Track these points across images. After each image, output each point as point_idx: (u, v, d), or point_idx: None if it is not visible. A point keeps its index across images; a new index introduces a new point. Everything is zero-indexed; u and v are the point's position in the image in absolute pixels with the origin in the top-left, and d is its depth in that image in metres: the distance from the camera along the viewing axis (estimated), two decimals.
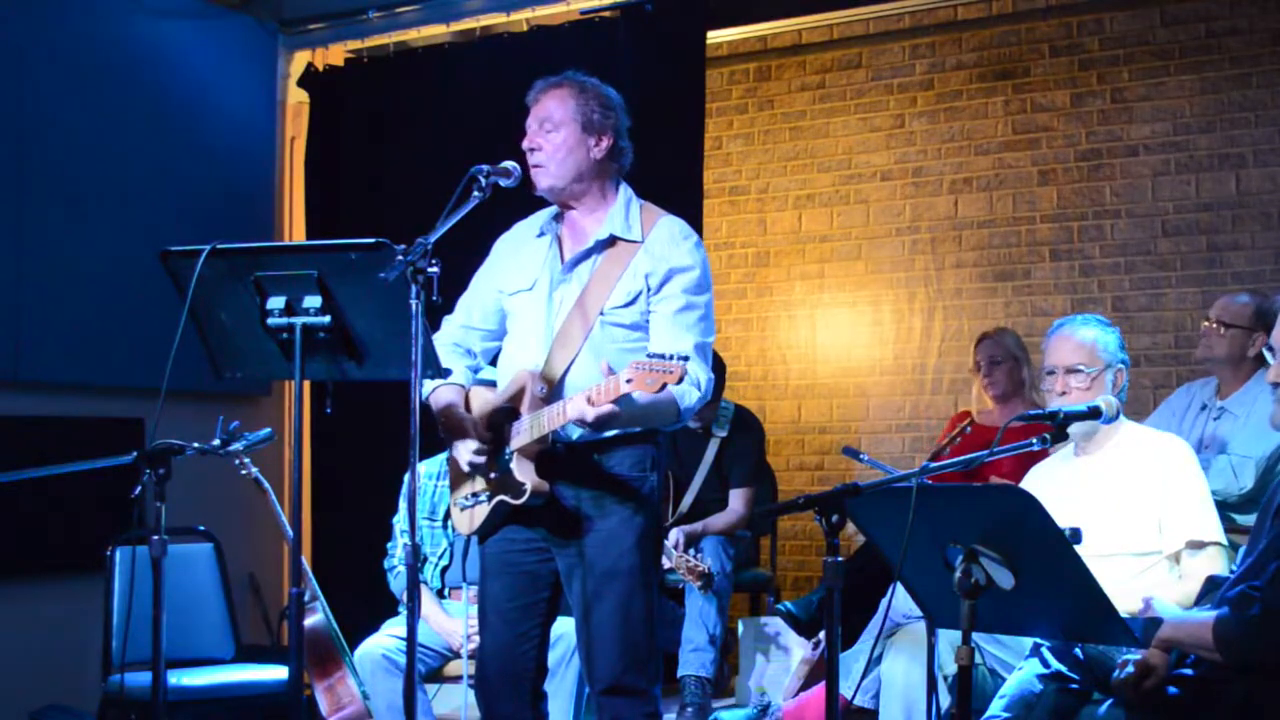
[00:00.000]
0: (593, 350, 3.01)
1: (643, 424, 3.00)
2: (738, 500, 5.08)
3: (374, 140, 5.89)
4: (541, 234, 3.20)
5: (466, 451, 3.06)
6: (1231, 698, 2.63)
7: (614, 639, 3.01)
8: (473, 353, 3.27)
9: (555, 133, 3.09)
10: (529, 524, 3.10)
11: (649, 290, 3.04)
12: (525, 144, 3.11)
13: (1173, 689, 2.74)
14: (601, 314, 3.03)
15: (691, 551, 4.72)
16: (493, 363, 3.30)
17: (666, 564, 4.56)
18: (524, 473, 2.99)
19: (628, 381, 2.67)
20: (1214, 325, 4.30)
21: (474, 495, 3.13)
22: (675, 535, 4.76)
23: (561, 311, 3.07)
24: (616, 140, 3.14)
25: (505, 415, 3.06)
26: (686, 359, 2.70)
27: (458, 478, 3.19)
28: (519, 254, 3.22)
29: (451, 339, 3.25)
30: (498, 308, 3.23)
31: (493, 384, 3.21)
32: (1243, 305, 4.29)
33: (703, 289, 3.07)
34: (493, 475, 3.07)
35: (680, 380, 2.67)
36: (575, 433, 3.02)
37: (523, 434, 2.99)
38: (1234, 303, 4.34)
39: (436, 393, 3.14)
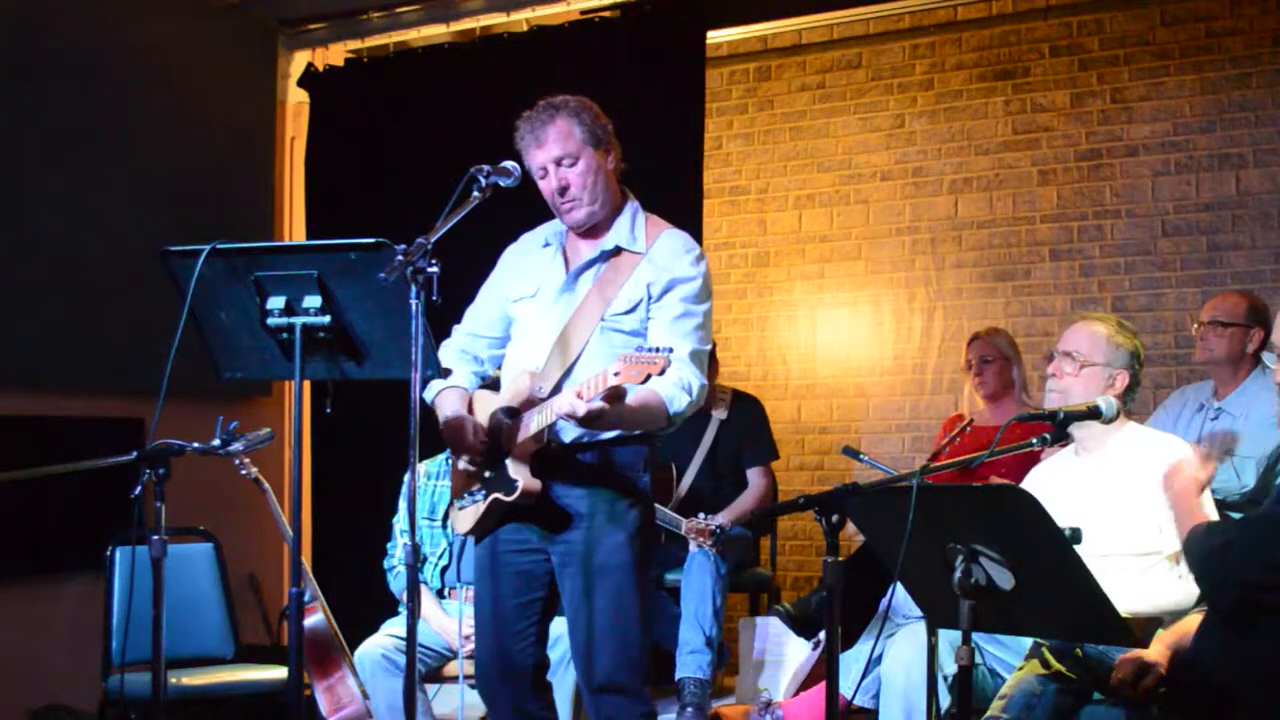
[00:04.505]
0: (592, 354, 3.03)
1: (631, 427, 3.00)
2: (758, 475, 5.11)
3: (374, 140, 5.89)
4: (547, 244, 3.23)
5: (464, 452, 3.09)
6: (1230, 697, 2.63)
7: (607, 636, 3.02)
8: (480, 359, 3.30)
9: (575, 165, 3.07)
10: (524, 522, 3.11)
11: (650, 298, 3.07)
12: (553, 187, 3.08)
13: (1171, 689, 2.74)
14: (603, 320, 3.05)
15: (700, 515, 4.70)
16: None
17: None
18: (518, 470, 3.00)
19: (615, 375, 2.68)
20: (1210, 325, 4.32)
21: (471, 494, 3.15)
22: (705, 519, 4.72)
23: (564, 317, 3.09)
24: (618, 147, 3.15)
25: (505, 416, 3.07)
26: (671, 350, 2.71)
27: (459, 480, 3.21)
28: (525, 263, 3.26)
29: (459, 346, 3.30)
30: (503, 315, 3.27)
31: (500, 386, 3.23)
32: (1236, 303, 4.35)
33: (701, 299, 3.09)
34: (488, 474, 3.09)
35: (663, 371, 2.67)
36: (571, 434, 3.03)
37: (518, 433, 3.01)
38: (1227, 301, 4.37)
39: (440, 397, 3.18)
